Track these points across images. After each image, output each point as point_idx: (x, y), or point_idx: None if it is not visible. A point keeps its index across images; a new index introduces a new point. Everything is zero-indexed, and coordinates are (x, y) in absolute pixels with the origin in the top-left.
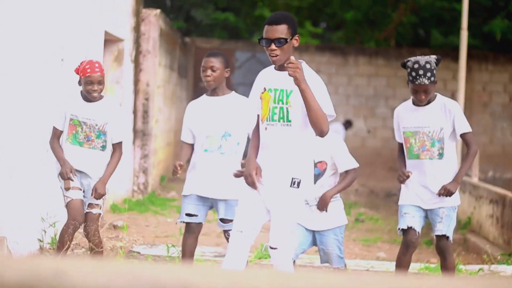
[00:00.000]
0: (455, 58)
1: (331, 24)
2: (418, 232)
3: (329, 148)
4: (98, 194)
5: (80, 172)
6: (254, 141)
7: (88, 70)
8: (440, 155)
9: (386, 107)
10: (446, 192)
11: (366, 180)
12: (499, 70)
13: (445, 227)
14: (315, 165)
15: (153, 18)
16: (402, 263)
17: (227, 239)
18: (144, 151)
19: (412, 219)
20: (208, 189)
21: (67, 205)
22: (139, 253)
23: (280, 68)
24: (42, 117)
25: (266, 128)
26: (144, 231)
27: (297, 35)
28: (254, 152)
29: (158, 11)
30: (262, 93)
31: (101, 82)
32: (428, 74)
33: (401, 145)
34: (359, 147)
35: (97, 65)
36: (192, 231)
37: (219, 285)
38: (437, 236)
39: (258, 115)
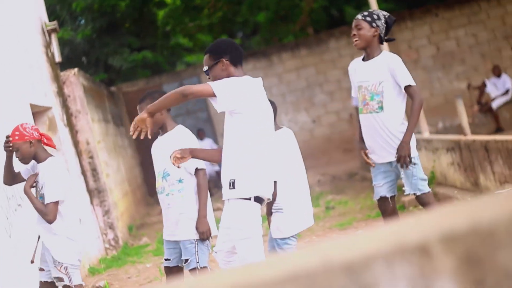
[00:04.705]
0: None
1: (247, 31)
2: (391, 196)
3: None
4: None
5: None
6: None
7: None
8: (380, 108)
9: (323, 93)
10: (402, 160)
11: (325, 167)
12: (418, 24)
13: (408, 185)
14: None
15: (73, 78)
16: None
17: None
18: (104, 207)
19: (379, 188)
20: (165, 231)
21: None
22: None
23: None
24: None
25: None
26: (127, 284)
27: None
28: None
29: (76, 70)
30: None
31: (17, 150)
32: (365, 13)
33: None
34: (309, 139)
35: (16, 132)
36: (168, 275)
37: None
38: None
39: None
